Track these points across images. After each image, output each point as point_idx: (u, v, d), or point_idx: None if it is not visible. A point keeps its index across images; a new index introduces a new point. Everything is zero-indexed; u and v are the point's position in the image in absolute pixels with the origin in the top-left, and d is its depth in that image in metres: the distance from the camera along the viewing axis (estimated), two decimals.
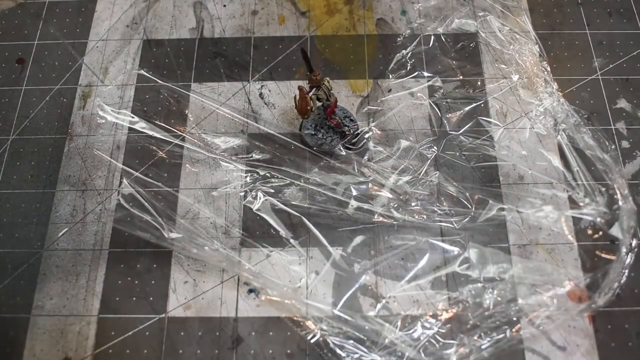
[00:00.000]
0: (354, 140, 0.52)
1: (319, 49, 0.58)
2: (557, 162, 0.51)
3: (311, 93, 0.47)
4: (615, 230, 0.47)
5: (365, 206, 0.49)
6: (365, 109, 0.54)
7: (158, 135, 0.53)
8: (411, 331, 0.44)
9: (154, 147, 0.53)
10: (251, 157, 0.52)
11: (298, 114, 0.49)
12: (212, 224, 0.49)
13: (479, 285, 0.46)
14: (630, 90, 0.55)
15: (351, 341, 0.44)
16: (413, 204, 0.49)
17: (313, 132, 0.52)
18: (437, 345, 0.44)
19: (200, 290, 0.47)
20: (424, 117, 0.54)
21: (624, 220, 0.47)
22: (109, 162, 0.53)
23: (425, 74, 0.56)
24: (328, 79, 0.48)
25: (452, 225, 0.48)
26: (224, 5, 0.61)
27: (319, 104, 0.48)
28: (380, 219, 0.48)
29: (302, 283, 0.47)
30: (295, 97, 0.47)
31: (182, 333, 0.46)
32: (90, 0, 0.62)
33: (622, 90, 0.55)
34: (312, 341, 0.44)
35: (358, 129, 0.52)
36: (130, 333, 0.46)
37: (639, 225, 0.47)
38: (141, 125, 0.54)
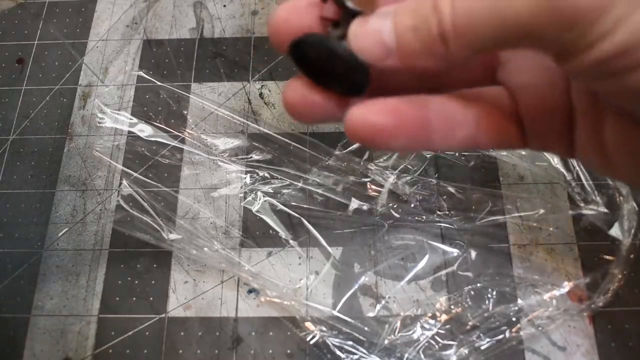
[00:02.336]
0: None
1: None
2: (557, 162, 0.51)
3: None
4: (615, 230, 0.47)
5: (365, 206, 0.49)
6: None
7: (158, 136, 0.53)
8: (410, 332, 0.44)
9: (154, 148, 0.53)
10: (251, 157, 0.52)
11: None
12: (212, 224, 0.49)
13: (479, 285, 0.46)
14: None
15: (350, 342, 0.44)
16: (412, 204, 0.48)
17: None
18: (436, 346, 0.44)
19: (200, 290, 0.47)
20: None
21: (624, 220, 0.47)
22: (109, 163, 0.53)
23: None
24: None
25: (451, 226, 0.48)
26: (224, 5, 0.61)
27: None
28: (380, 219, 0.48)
29: (302, 284, 0.47)
30: None
31: (182, 333, 0.46)
32: (90, 0, 0.62)
33: None
34: (311, 342, 0.44)
35: None
36: (130, 333, 0.46)
37: (639, 225, 0.47)
38: (141, 126, 0.54)
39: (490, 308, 0.45)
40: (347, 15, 0.18)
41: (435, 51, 0.17)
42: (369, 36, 0.18)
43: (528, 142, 0.21)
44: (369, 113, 0.18)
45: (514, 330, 0.44)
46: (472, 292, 0.45)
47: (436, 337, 0.44)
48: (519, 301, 0.45)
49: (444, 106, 0.20)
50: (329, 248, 0.48)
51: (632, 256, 0.46)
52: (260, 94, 0.56)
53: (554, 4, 0.14)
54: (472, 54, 0.16)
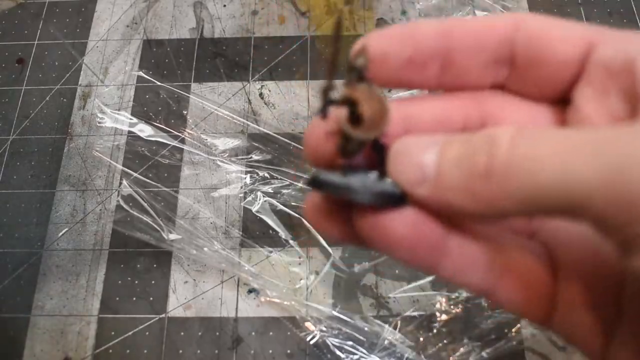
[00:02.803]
0: None
1: (319, 49, 0.58)
2: None
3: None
4: None
5: None
6: None
7: (158, 136, 0.53)
8: (410, 332, 0.44)
9: (154, 148, 0.53)
10: (251, 157, 0.52)
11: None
12: (212, 225, 0.49)
13: None
14: None
15: (350, 342, 0.44)
16: None
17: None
18: (436, 347, 0.44)
19: (200, 290, 0.47)
20: None
21: None
22: (109, 163, 0.53)
23: None
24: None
25: None
26: (224, 5, 0.61)
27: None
28: None
29: (301, 284, 0.47)
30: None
31: (182, 333, 0.46)
32: (90, 0, 0.62)
33: None
34: (311, 342, 0.44)
35: None
36: (130, 333, 0.46)
37: None
38: (141, 126, 0.54)
39: (491, 308, 0.45)
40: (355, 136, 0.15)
41: (473, 189, 0.13)
42: (409, 160, 0.15)
43: (553, 321, 0.16)
44: (385, 216, 0.15)
45: (514, 330, 0.44)
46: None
47: (436, 337, 0.44)
48: None
49: (466, 242, 0.16)
50: (329, 248, 0.48)
51: None
52: (260, 94, 0.56)
53: (621, 187, 0.11)
54: (512, 210, 0.13)
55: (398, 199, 0.15)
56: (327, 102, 0.15)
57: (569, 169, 0.12)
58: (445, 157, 0.14)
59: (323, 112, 0.16)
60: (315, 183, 0.16)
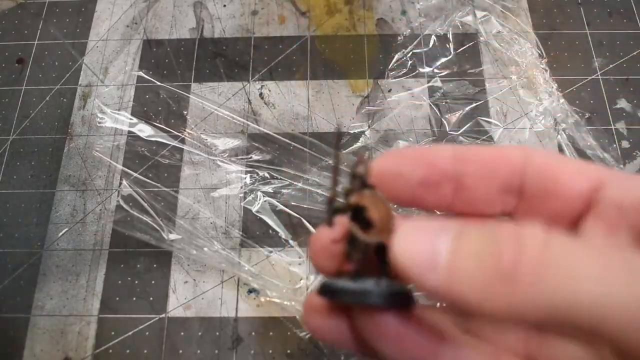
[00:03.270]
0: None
1: (319, 49, 0.58)
2: None
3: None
4: None
5: None
6: (364, 109, 0.54)
7: (158, 136, 0.53)
8: None
9: (154, 148, 0.53)
10: (251, 157, 0.52)
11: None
12: (212, 225, 0.49)
13: None
14: (630, 90, 0.55)
15: None
16: None
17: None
18: None
19: (200, 290, 0.47)
20: (423, 117, 0.54)
21: None
22: (109, 163, 0.53)
23: (426, 73, 0.56)
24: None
25: None
26: (224, 5, 0.61)
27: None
28: None
29: (301, 284, 0.47)
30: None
31: (182, 333, 0.46)
32: (90, 0, 0.62)
33: (622, 90, 0.55)
34: (311, 342, 0.44)
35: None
36: (130, 333, 0.46)
37: None
38: (141, 126, 0.54)
39: None
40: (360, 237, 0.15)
41: (493, 288, 0.12)
42: (420, 244, 0.14)
43: None
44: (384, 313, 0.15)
45: None
46: None
47: None
48: None
49: (460, 353, 0.16)
50: None
51: None
52: (260, 94, 0.56)
53: None
54: (532, 317, 0.12)
55: (408, 298, 0.15)
56: (333, 210, 0.16)
57: (606, 290, 0.11)
58: (462, 247, 0.13)
59: (329, 221, 0.16)
60: (328, 292, 0.15)
